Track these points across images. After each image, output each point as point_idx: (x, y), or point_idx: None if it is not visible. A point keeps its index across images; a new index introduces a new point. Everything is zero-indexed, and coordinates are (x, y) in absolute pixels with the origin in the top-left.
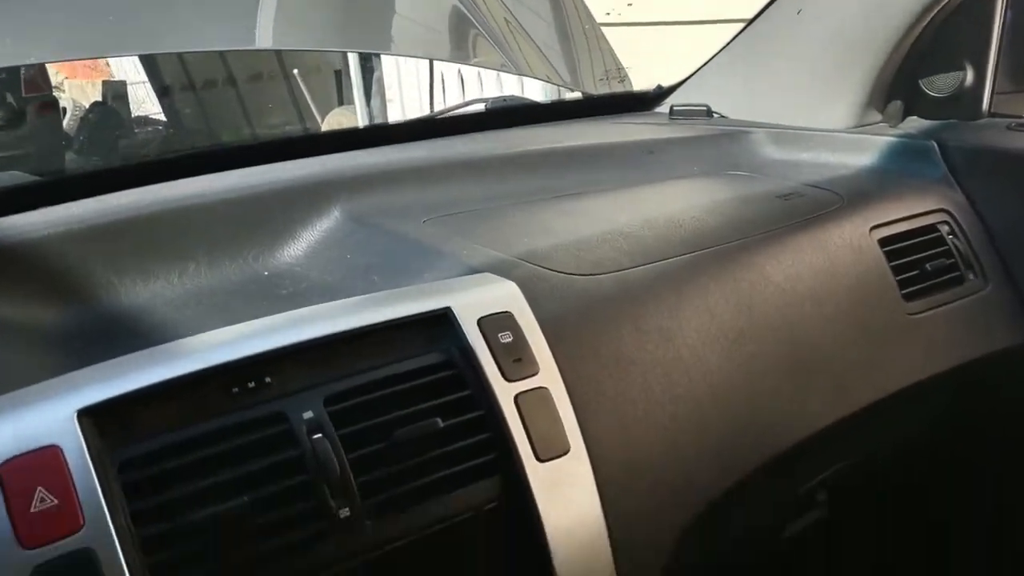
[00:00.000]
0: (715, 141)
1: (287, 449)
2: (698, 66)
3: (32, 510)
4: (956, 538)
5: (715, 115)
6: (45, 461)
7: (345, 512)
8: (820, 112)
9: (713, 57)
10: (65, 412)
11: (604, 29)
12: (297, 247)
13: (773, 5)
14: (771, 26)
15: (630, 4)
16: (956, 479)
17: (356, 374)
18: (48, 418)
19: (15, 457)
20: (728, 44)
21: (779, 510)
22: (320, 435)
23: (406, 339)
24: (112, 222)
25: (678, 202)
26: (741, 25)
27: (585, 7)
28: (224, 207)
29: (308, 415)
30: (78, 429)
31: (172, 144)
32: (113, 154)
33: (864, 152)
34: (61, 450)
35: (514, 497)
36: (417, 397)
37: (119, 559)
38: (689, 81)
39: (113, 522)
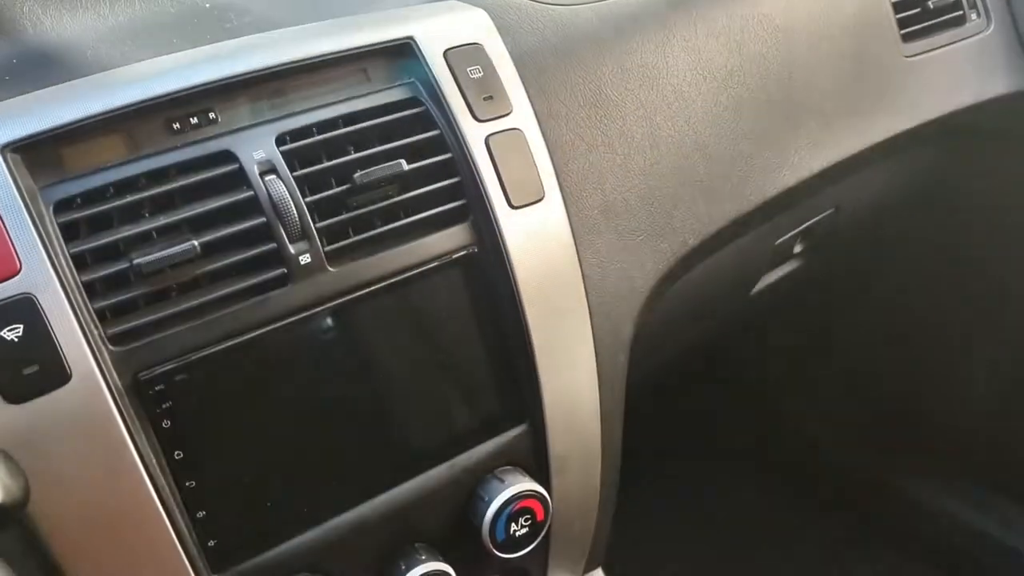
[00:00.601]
0: None
1: (238, 190)
2: None
3: None
4: (927, 290)
5: None
6: None
7: (305, 258)
8: None
9: None
10: None
11: None
12: None
13: None
14: None
15: None
16: (933, 235)
17: (311, 111)
18: None
19: None
20: None
21: (755, 262)
22: (273, 176)
23: (366, 72)
24: None
25: None
26: None
27: None
28: None
29: (260, 154)
30: (4, 166)
31: None
32: None
33: None
34: None
35: (485, 245)
36: (379, 137)
37: (63, 304)
38: None
39: (53, 265)
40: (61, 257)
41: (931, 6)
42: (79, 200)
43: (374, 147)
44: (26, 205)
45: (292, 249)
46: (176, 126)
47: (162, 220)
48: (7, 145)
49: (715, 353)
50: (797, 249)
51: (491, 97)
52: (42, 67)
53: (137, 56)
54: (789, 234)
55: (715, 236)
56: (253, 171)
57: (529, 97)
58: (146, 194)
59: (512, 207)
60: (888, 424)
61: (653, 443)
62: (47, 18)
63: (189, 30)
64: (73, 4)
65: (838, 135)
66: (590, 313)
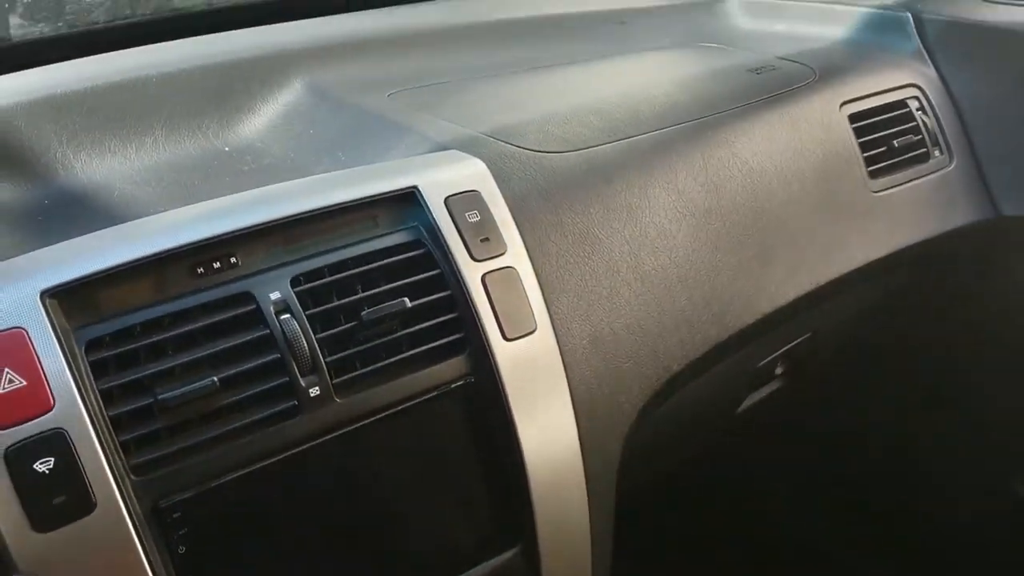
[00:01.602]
0: (687, 11)
1: (255, 329)
2: None
3: (1, 391)
4: (908, 406)
5: None
6: (11, 342)
7: (315, 391)
8: None
9: None
10: (29, 293)
11: None
12: (258, 121)
13: None
14: None
15: None
16: (908, 351)
17: (323, 253)
18: (12, 299)
19: None
20: None
21: (738, 383)
22: (288, 315)
23: (373, 218)
24: (64, 93)
25: (649, 76)
26: None
27: None
28: (183, 78)
29: (275, 295)
30: (43, 310)
31: (122, 9)
32: (59, 20)
33: (838, 24)
34: (27, 331)
35: (481, 375)
36: (385, 276)
37: (91, 438)
38: None
39: (83, 402)
40: (91, 393)
41: (895, 145)
42: (109, 339)
43: (380, 286)
44: (61, 346)
45: (303, 382)
46: (200, 270)
47: (185, 358)
48: (46, 291)
49: (706, 468)
50: (779, 371)
51: (487, 239)
52: (74, 208)
53: (160, 197)
54: (770, 357)
55: (698, 361)
56: (269, 311)
57: (522, 237)
58: (171, 333)
59: (506, 339)
60: (889, 533)
61: (646, 559)
62: (78, 162)
63: (210, 172)
64: (102, 149)
65: (811, 265)
66: (580, 437)
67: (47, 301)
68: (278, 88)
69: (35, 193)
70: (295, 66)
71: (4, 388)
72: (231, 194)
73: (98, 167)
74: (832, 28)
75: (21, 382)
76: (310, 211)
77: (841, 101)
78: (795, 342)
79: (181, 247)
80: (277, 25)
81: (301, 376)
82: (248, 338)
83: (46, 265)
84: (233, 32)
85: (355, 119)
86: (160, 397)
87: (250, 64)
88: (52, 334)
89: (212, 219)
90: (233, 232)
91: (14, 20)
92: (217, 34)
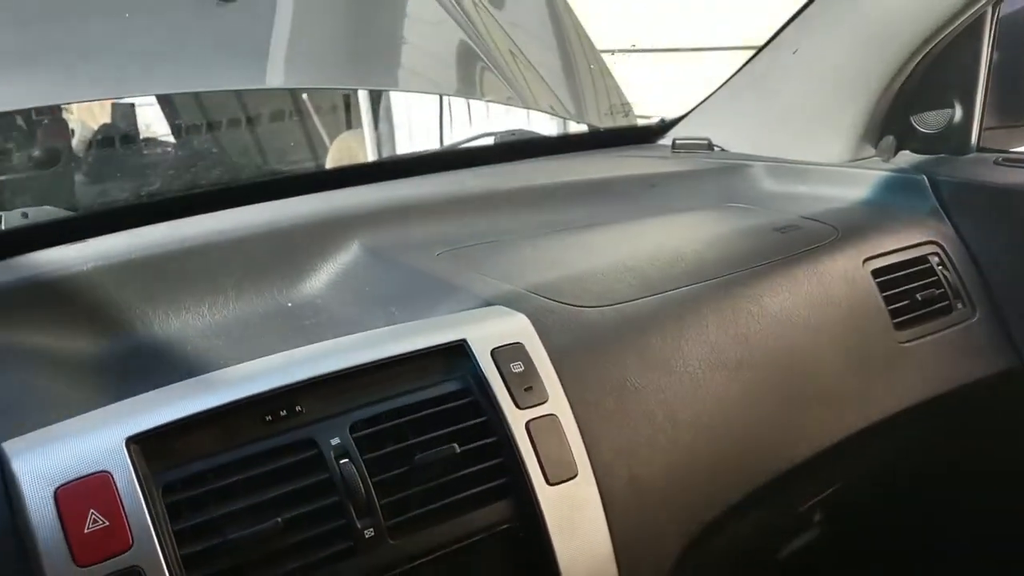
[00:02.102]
0: (716, 174)
1: (317, 473)
2: (700, 101)
3: (86, 531)
4: (940, 555)
5: (716, 148)
6: (97, 485)
7: (370, 532)
8: (817, 146)
9: (715, 92)
10: (114, 440)
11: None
12: (318, 280)
13: (771, 44)
14: (769, 64)
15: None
16: (941, 499)
17: (379, 402)
18: (99, 445)
19: (70, 482)
20: (729, 80)
21: (775, 530)
22: (347, 460)
23: (425, 369)
24: (144, 256)
25: (680, 235)
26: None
27: (590, 42)
28: (251, 242)
29: (336, 441)
30: (127, 456)
31: (197, 179)
32: (140, 190)
33: (858, 185)
34: (111, 475)
35: (525, 519)
36: (436, 423)
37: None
38: (691, 115)
39: (159, 541)
40: (166, 534)
41: (919, 298)
42: (184, 483)
43: (431, 432)
44: (141, 489)
45: (359, 524)
46: (268, 418)
47: (252, 500)
48: (131, 438)
49: None
50: (816, 518)
51: (531, 388)
52: (152, 360)
53: (230, 350)
54: (806, 505)
55: (734, 507)
56: (330, 456)
57: (563, 386)
58: (240, 477)
59: (549, 483)
60: None
61: None
62: (155, 318)
63: (275, 327)
64: (178, 307)
65: (840, 415)
66: None
67: (130, 447)
68: (336, 250)
69: (117, 346)
70: (351, 229)
71: (89, 528)
72: (295, 348)
73: (174, 323)
74: (852, 190)
75: (105, 522)
76: (367, 363)
77: (864, 257)
78: (829, 490)
79: (251, 397)
80: (335, 191)
81: (357, 518)
82: (310, 481)
83: (129, 414)
84: (295, 199)
85: (407, 277)
86: (229, 538)
87: (312, 228)
88: (134, 478)
89: (280, 371)
90: (299, 383)
91: (99, 190)
92: (282, 200)
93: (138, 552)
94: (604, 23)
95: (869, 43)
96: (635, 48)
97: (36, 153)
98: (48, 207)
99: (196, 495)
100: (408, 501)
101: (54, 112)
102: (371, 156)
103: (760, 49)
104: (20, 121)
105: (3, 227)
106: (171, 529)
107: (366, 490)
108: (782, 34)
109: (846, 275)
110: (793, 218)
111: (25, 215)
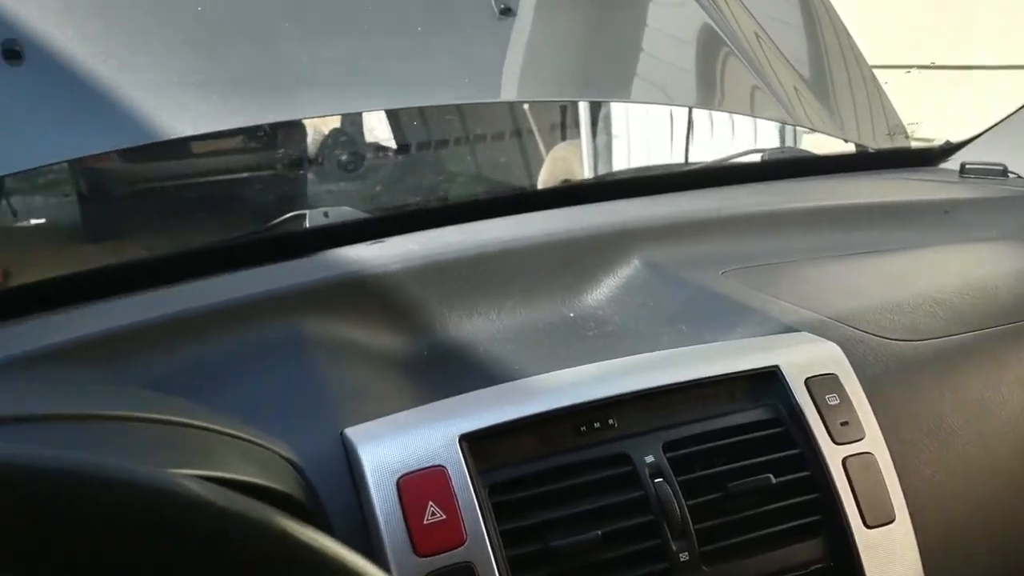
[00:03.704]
0: (1016, 204)
1: (631, 490)
2: (993, 123)
3: (425, 522)
4: None
5: (1012, 175)
6: (435, 479)
7: (684, 556)
8: None
9: (1012, 114)
10: (449, 436)
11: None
12: (600, 292)
13: None
14: None
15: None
16: None
17: (691, 423)
18: (435, 440)
19: (411, 473)
20: None
21: None
22: (661, 479)
23: (733, 393)
24: (443, 259)
25: (986, 268)
26: None
27: (863, 58)
28: (539, 250)
29: (650, 459)
30: (460, 452)
31: (481, 185)
32: (432, 193)
33: None
34: (446, 470)
35: (841, 561)
36: (747, 451)
37: (495, 574)
38: (981, 138)
39: (489, 540)
40: (494, 533)
41: None
42: (507, 485)
43: (743, 460)
44: (473, 486)
45: (674, 546)
46: (583, 429)
47: (570, 510)
48: (464, 436)
49: None
50: None
51: (846, 423)
52: (448, 361)
53: (517, 355)
54: None
55: None
56: (644, 473)
57: (879, 424)
58: (557, 486)
59: (867, 526)
60: None
61: None
62: (451, 321)
63: (558, 335)
64: (471, 310)
65: None
66: None
67: (463, 444)
68: (617, 262)
69: (417, 345)
70: (633, 243)
71: (428, 520)
72: (580, 357)
73: (466, 326)
74: None
75: (442, 516)
76: (681, 383)
77: None
78: None
79: (570, 407)
80: (618, 202)
81: (672, 540)
82: (625, 498)
83: (461, 412)
84: (580, 207)
85: (693, 294)
86: (552, 544)
87: (594, 239)
88: (467, 474)
89: (595, 383)
90: (612, 397)
91: (395, 193)
92: (566, 208)
93: (471, 549)
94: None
95: None
96: (934, 65)
97: (343, 157)
98: (346, 208)
99: (519, 498)
100: (721, 529)
101: (353, 121)
102: (587, 169)
103: None
104: (311, 130)
105: (308, 225)
106: (498, 529)
107: (681, 512)
108: None
109: None
110: None
111: (326, 214)
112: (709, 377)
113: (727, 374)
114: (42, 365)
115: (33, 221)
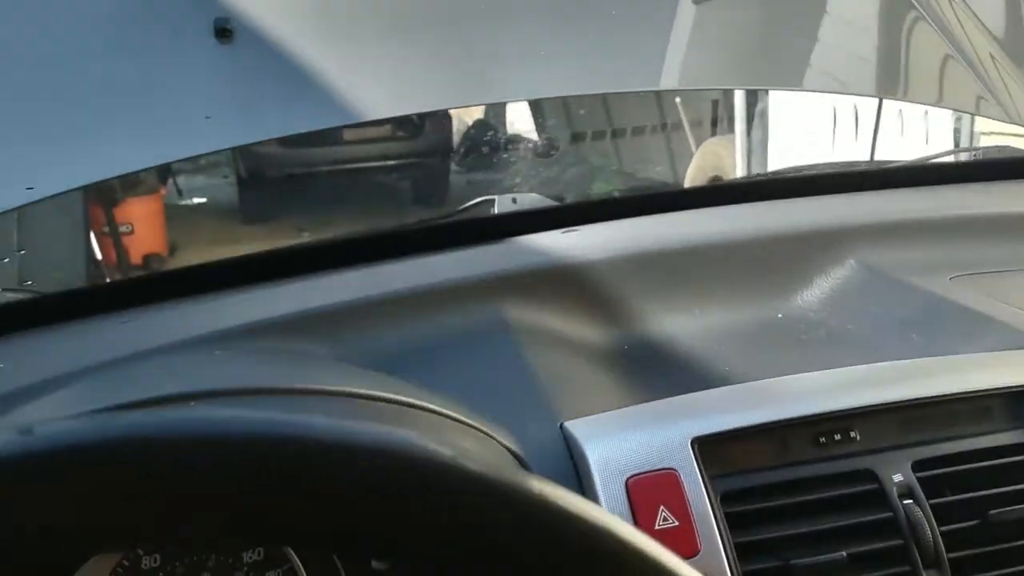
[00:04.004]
0: None
1: (878, 509)
2: None
3: (656, 527)
4: None
5: None
6: (666, 482)
7: None
8: None
9: None
10: (680, 437)
11: None
12: (810, 292)
13: None
14: None
15: None
16: None
17: (943, 441)
18: (665, 440)
19: (640, 474)
20: None
21: None
22: (911, 501)
23: (987, 410)
24: (644, 251)
25: None
26: None
27: None
28: (746, 245)
29: (898, 478)
30: (693, 455)
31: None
32: (631, 182)
33: None
34: (678, 473)
35: None
36: (1009, 476)
37: None
38: None
39: (724, 552)
40: (729, 546)
41: None
42: (739, 494)
43: (1001, 486)
44: (706, 493)
45: (924, 574)
46: (822, 440)
47: (809, 526)
48: (696, 438)
49: None
50: None
51: None
52: (649, 356)
53: (727, 355)
54: None
55: None
56: (892, 492)
57: None
58: (794, 500)
59: None
60: None
61: None
62: (649, 315)
63: (766, 336)
64: (669, 305)
65: None
66: None
67: (695, 447)
68: (830, 262)
69: (617, 339)
70: (849, 242)
71: (659, 525)
72: (795, 360)
73: (668, 321)
74: None
75: (674, 522)
76: (932, 397)
77: None
78: None
79: (809, 416)
80: (823, 198)
81: (924, 568)
82: (871, 518)
83: (691, 413)
84: (791, 200)
85: (920, 301)
86: (792, 562)
87: (805, 236)
88: (700, 480)
89: (832, 392)
90: (856, 409)
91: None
92: (776, 201)
93: (705, 560)
94: None
95: None
96: None
97: (539, 143)
98: (534, 194)
99: (753, 510)
100: (978, 560)
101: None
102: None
103: None
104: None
105: (496, 211)
106: (733, 541)
107: (933, 538)
108: None
109: None
110: None
111: (514, 200)
112: (962, 392)
113: (983, 390)
114: (263, 337)
115: (195, 200)
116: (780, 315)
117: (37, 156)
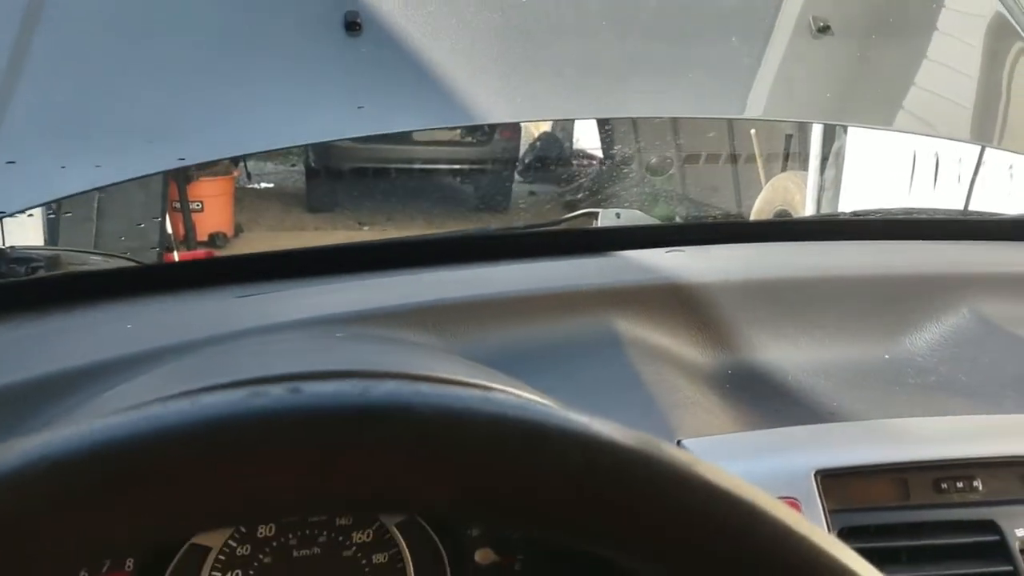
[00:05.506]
0: None
1: (999, 562)
2: None
3: None
4: None
5: None
6: None
7: None
8: None
9: None
10: (804, 468)
11: None
12: (920, 337)
13: None
14: None
15: None
16: None
17: None
18: (789, 470)
19: None
20: None
21: None
22: None
23: None
24: (756, 279)
25: None
26: None
27: None
28: (860, 283)
29: (1021, 532)
30: (816, 487)
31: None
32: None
33: None
34: (800, 504)
35: None
36: None
37: None
38: None
39: None
40: None
41: None
42: (858, 532)
43: None
44: (827, 527)
45: None
46: (943, 486)
47: (930, 571)
48: (820, 471)
49: None
50: None
51: None
52: (754, 385)
53: (836, 392)
54: None
55: None
56: (1014, 546)
57: None
58: (910, 543)
59: None
60: None
61: None
62: (757, 342)
63: (872, 377)
64: (777, 334)
65: None
66: None
67: (819, 479)
68: (944, 308)
69: (722, 362)
70: (964, 289)
71: None
72: (903, 404)
73: (770, 349)
74: None
75: None
76: None
77: None
78: None
79: (931, 461)
80: (946, 243)
81: None
82: (992, 570)
83: (815, 444)
84: (903, 243)
85: None
86: None
87: (920, 279)
88: (821, 512)
89: (955, 439)
90: (980, 459)
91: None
92: (887, 242)
93: None
94: None
95: None
96: None
97: (651, 161)
98: (637, 211)
99: (871, 548)
100: None
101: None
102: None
103: None
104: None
105: (600, 223)
106: None
107: None
108: None
109: None
110: None
111: (618, 215)
112: None
113: None
114: (373, 324)
115: (263, 185)
116: (887, 356)
117: (188, 128)
